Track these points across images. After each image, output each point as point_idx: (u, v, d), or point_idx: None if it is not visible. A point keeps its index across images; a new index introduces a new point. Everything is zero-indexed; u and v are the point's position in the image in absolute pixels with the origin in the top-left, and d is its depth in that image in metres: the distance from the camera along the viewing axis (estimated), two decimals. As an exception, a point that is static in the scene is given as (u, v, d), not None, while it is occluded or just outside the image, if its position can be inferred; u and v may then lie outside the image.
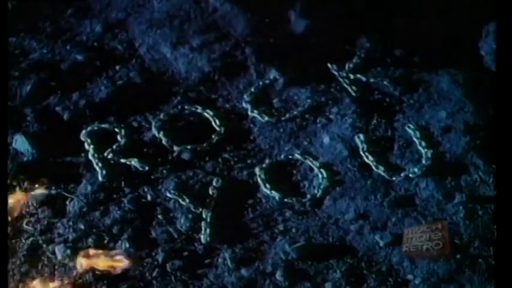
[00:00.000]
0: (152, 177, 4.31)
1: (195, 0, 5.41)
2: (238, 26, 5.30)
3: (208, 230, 3.91)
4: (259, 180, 4.22)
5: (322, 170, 4.21)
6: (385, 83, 4.79)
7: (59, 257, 3.86)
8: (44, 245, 3.93)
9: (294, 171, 4.29)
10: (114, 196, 4.19)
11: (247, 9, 5.34)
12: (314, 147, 4.42)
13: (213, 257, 3.81)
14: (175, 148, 4.48)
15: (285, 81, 4.86)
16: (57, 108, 4.80)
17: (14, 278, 3.72)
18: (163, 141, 4.54)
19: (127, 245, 3.84)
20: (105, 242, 3.92)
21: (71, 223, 4.04)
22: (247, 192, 4.18)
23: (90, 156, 4.42)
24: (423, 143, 4.30)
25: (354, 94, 4.69)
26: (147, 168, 4.33)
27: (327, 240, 3.86)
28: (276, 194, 4.11)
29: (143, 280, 3.71)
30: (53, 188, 4.25)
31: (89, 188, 4.21)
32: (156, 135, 4.56)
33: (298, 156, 4.35)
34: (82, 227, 4.00)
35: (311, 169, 4.27)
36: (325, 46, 5.16)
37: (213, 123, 4.62)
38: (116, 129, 4.60)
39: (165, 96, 4.88)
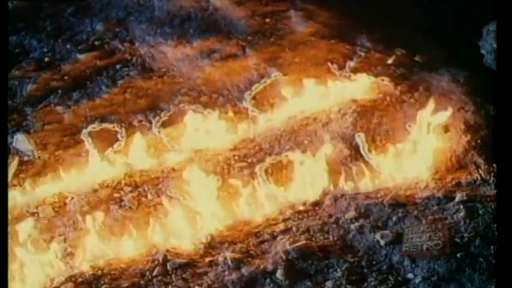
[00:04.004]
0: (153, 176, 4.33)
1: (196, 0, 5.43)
2: (239, 25, 5.31)
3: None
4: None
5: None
6: (385, 82, 4.79)
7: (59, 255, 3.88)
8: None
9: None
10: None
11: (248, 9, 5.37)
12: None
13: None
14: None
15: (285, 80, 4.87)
16: (57, 108, 4.82)
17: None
18: (164, 140, 4.55)
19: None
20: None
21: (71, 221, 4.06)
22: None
23: (90, 155, 4.44)
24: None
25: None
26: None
27: (328, 239, 3.86)
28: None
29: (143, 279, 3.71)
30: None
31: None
32: (157, 134, 4.58)
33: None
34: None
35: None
36: (325, 46, 5.17)
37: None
38: (117, 129, 4.61)
39: (166, 96, 4.89)
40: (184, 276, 3.71)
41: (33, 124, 4.70)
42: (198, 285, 3.65)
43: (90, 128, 4.61)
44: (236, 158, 4.43)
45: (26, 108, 4.83)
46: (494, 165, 4.09)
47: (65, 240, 3.97)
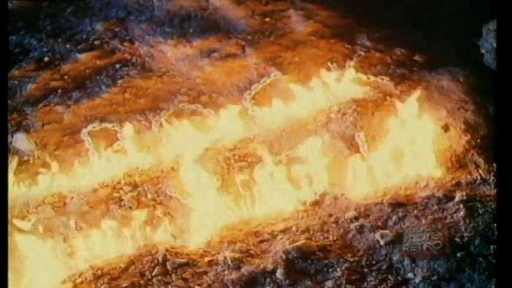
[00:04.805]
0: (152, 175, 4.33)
1: (196, -1, 5.44)
2: (238, 25, 5.31)
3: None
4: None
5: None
6: (385, 81, 4.79)
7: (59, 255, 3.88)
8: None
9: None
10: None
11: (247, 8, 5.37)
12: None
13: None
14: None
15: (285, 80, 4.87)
16: (57, 107, 4.81)
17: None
18: (163, 139, 4.55)
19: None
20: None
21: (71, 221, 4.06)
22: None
23: (90, 155, 4.43)
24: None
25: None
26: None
27: (327, 238, 3.86)
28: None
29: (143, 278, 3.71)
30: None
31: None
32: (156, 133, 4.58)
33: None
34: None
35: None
36: (325, 45, 5.17)
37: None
38: (117, 128, 4.61)
39: (165, 95, 4.89)
40: (184, 275, 3.71)
41: (32, 124, 4.70)
42: (198, 284, 3.65)
43: (89, 127, 4.61)
44: (236, 157, 4.42)
45: (26, 107, 4.83)
46: (494, 164, 4.09)
47: (64, 240, 3.96)
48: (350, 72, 4.87)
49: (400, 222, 3.87)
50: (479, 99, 4.55)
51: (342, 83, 4.82)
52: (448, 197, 3.98)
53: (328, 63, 4.98)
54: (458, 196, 3.95)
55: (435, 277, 3.55)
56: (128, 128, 4.60)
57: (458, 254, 3.61)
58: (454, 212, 3.87)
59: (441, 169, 4.18)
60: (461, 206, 3.89)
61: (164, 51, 5.17)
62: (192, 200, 4.11)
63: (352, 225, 3.90)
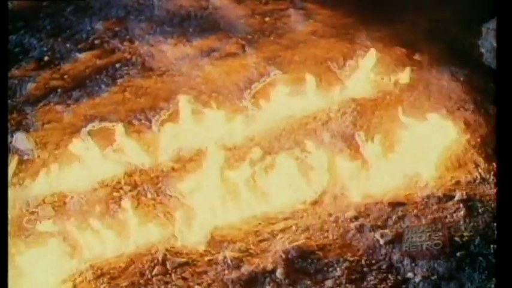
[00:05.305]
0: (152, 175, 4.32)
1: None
2: (238, 24, 5.31)
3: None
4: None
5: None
6: (385, 81, 4.79)
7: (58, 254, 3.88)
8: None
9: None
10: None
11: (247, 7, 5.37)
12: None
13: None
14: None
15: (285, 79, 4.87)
16: (57, 107, 4.81)
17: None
18: (164, 139, 4.54)
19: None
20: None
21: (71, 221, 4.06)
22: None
23: (90, 154, 4.43)
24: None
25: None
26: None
27: (327, 238, 3.86)
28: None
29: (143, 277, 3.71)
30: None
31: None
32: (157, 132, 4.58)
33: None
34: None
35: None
36: (325, 44, 5.17)
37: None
38: (116, 127, 4.60)
39: (165, 94, 4.89)
40: (184, 275, 3.71)
41: (32, 123, 4.70)
42: (198, 284, 3.65)
43: (89, 126, 4.61)
44: (236, 156, 4.42)
45: (26, 107, 4.83)
46: (494, 164, 4.09)
47: (64, 240, 3.96)
48: (350, 71, 4.88)
49: (400, 222, 3.87)
50: (479, 99, 4.55)
51: (341, 83, 4.82)
52: (448, 196, 3.98)
53: (328, 62, 4.99)
54: (458, 195, 3.95)
55: (435, 276, 3.55)
56: (128, 128, 4.60)
57: (458, 254, 3.62)
58: (454, 212, 3.87)
59: (441, 168, 4.17)
60: (461, 205, 3.89)
61: (164, 50, 5.17)
62: (192, 199, 4.10)
63: (352, 225, 3.90)
